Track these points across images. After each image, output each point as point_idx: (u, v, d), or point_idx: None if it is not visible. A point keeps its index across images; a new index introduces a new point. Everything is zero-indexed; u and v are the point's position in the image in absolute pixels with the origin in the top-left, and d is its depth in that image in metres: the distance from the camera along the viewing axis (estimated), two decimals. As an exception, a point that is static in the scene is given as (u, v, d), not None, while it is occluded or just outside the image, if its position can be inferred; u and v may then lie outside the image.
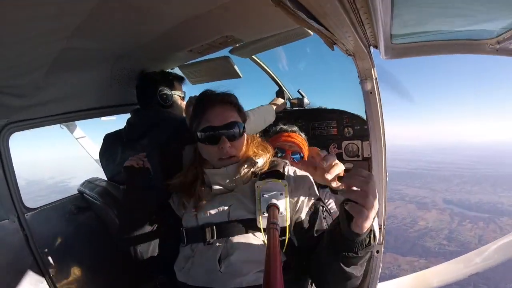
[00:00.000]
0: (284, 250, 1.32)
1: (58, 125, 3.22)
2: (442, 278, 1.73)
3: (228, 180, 1.53)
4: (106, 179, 2.34)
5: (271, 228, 1.02)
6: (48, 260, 2.10)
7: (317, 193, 1.50)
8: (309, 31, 2.12)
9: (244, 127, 1.57)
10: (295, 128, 2.36)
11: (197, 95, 1.69)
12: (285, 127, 2.35)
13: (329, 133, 2.93)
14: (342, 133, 2.88)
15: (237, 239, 1.37)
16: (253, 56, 2.78)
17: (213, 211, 1.46)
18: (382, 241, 2.22)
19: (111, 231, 2.18)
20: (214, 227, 1.41)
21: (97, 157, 3.77)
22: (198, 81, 2.91)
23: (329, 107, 3.10)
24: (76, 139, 3.74)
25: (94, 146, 3.90)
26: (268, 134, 2.39)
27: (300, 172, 1.54)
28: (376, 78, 2.00)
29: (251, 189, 1.45)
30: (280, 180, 1.41)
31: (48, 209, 2.22)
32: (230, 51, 2.54)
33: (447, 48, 1.78)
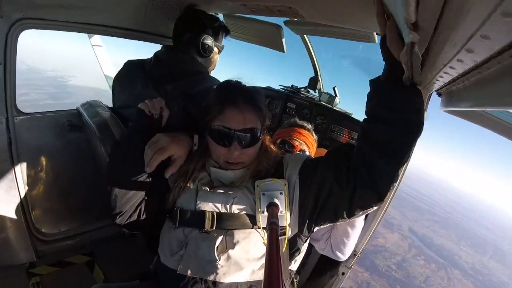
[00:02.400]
0: (284, 249, 1.34)
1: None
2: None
3: (232, 182, 1.45)
4: (109, 106, 2.18)
5: (271, 227, 1.03)
6: (26, 169, 2.02)
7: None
8: (376, 39, 1.95)
9: (261, 133, 1.43)
10: (310, 126, 2.21)
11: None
12: (299, 122, 2.20)
13: (345, 141, 2.79)
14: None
15: (238, 232, 1.33)
16: (304, 35, 2.55)
17: (215, 199, 1.37)
18: (351, 266, 2.22)
19: (98, 162, 2.08)
20: (215, 216, 1.34)
21: (107, 72, 3.64)
22: (238, 37, 2.67)
23: (357, 117, 2.93)
24: (92, 46, 3.45)
25: (107, 61, 3.62)
26: (282, 124, 2.26)
27: (294, 157, 1.51)
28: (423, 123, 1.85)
29: (251, 186, 1.41)
30: (280, 179, 1.37)
31: (40, 117, 2.08)
32: (285, 22, 2.32)
33: (498, 127, 1.67)
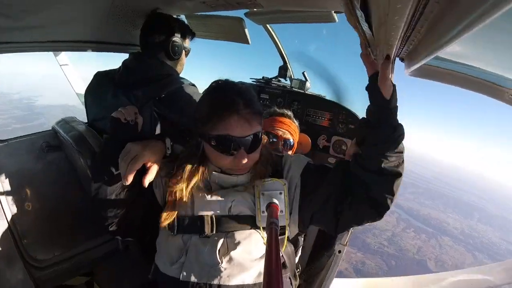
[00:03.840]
0: (283, 249, 1.34)
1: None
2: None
3: (232, 185, 1.43)
4: (84, 121, 2.16)
5: (270, 227, 1.01)
6: (10, 197, 1.98)
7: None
8: (336, 18, 2.00)
9: (262, 134, 1.36)
10: (290, 113, 2.24)
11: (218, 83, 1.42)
12: (279, 110, 2.23)
13: (322, 123, 2.85)
14: (335, 128, 2.81)
15: (239, 234, 1.33)
16: (267, 25, 2.59)
17: (213, 203, 1.36)
18: (346, 243, 2.29)
19: (80, 178, 2.07)
20: (214, 219, 1.33)
21: (78, 90, 3.58)
22: (202, 36, 2.69)
23: (329, 98, 3.01)
24: (60, 65, 3.41)
25: (77, 78, 3.58)
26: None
27: (296, 159, 1.52)
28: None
29: (251, 187, 1.40)
30: (279, 179, 1.37)
31: (17, 142, 2.05)
32: (246, 14, 2.35)
33: (471, 84, 1.73)
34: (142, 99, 1.84)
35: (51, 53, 3.26)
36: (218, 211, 1.35)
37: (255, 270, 1.30)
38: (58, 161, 2.21)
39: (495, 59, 1.47)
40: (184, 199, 1.36)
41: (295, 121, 2.23)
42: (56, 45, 2.10)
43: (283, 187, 1.34)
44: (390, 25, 1.06)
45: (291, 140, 2.11)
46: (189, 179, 1.38)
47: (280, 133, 2.08)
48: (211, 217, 1.33)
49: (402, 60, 1.72)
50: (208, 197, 1.36)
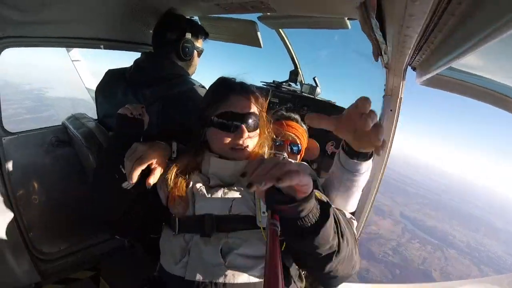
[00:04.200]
0: (283, 249, 1.28)
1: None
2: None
3: (230, 174, 1.44)
4: (94, 118, 2.20)
5: (271, 228, 0.97)
6: (19, 190, 2.00)
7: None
8: (349, 25, 2.00)
9: (260, 116, 1.47)
10: (297, 117, 2.23)
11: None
12: (286, 114, 2.22)
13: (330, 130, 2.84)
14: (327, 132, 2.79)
15: (240, 234, 1.32)
16: (280, 29, 2.59)
17: (214, 202, 1.36)
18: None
19: (88, 174, 2.09)
20: (215, 219, 1.33)
21: (89, 85, 3.63)
22: (215, 38, 2.70)
23: (339, 104, 2.99)
24: (72, 60, 3.45)
25: (88, 73, 3.61)
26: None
27: (303, 166, 1.53)
28: (401, 98, 1.94)
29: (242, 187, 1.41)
30: None
31: (27, 135, 2.07)
32: (259, 18, 2.36)
33: (482, 95, 1.73)
34: (150, 98, 1.85)
35: (64, 48, 3.32)
36: (219, 211, 1.34)
37: (259, 269, 1.30)
38: (67, 156, 2.24)
39: (507, 70, 1.46)
40: (183, 194, 1.37)
41: (303, 125, 2.22)
42: (69, 41, 2.11)
43: None
44: (403, 35, 1.06)
45: (299, 145, 2.08)
46: (188, 170, 1.43)
47: (287, 137, 2.06)
48: (212, 217, 1.33)
49: (414, 69, 1.72)
50: (209, 196, 1.36)
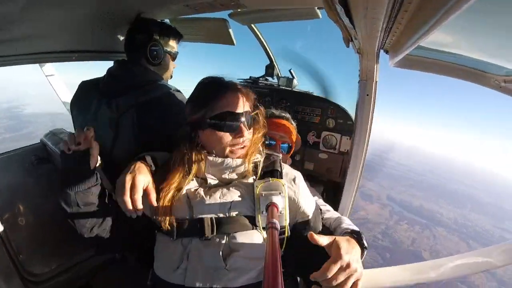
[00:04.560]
0: (283, 249, 1.33)
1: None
2: (391, 280, 1.79)
3: (227, 173, 1.43)
4: (72, 132, 2.14)
5: (270, 228, 1.01)
6: (3, 213, 1.96)
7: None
8: (319, 14, 2.02)
9: (255, 115, 1.45)
10: (288, 115, 2.25)
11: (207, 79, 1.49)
12: (277, 112, 2.22)
13: (311, 120, 2.86)
14: (324, 123, 2.82)
15: (240, 235, 1.32)
16: (252, 25, 2.59)
17: (212, 205, 1.34)
18: None
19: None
20: (214, 221, 1.31)
21: (65, 98, 3.55)
22: (187, 39, 2.67)
23: (317, 94, 3.03)
24: (46, 76, 3.39)
25: (63, 87, 3.56)
26: None
27: (293, 170, 1.52)
28: (376, 82, 1.98)
29: (250, 187, 1.40)
30: (279, 180, 1.36)
31: (7, 158, 2.04)
32: (230, 15, 2.34)
33: (455, 72, 1.75)
34: (123, 107, 1.81)
35: (37, 66, 3.25)
36: (218, 213, 1.32)
37: (258, 270, 1.32)
38: (48, 174, 2.19)
39: (479, 46, 1.48)
40: (178, 202, 1.35)
41: (293, 122, 2.24)
42: (41, 57, 2.06)
43: (282, 188, 1.32)
44: (370, 18, 1.08)
45: (289, 145, 2.12)
46: (185, 174, 1.38)
47: (278, 136, 2.07)
48: (211, 219, 1.31)
49: (386, 52, 1.75)
50: (207, 199, 1.34)
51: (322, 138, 2.78)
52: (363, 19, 1.10)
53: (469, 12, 0.94)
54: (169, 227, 1.32)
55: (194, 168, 1.39)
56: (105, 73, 1.97)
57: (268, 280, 0.75)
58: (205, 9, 2.08)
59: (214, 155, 1.41)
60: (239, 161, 1.42)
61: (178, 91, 1.97)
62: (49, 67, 3.39)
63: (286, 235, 1.33)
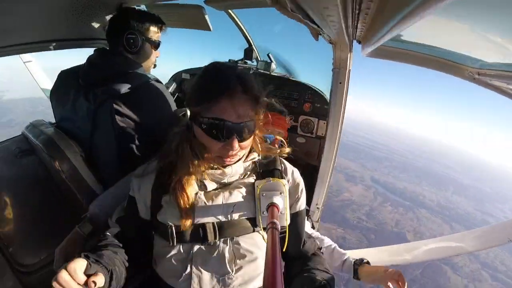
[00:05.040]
0: (284, 250, 1.33)
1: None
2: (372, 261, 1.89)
3: (227, 178, 1.37)
4: (53, 122, 2.16)
5: (270, 228, 1.00)
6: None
7: None
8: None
9: (255, 123, 1.30)
10: (285, 110, 2.37)
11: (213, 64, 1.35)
12: (277, 105, 2.29)
13: (289, 104, 2.91)
14: (302, 107, 2.87)
15: (243, 239, 1.31)
16: (229, 11, 2.59)
17: (214, 209, 1.30)
18: (318, 219, 2.42)
19: (56, 181, 2.07)
20: (216, 225, 1.28)
21: (44, 86, 3.51)
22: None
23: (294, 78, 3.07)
24: (24, 62, 3.32)
25: (42, 73, 3.48)
26: None
27: (295, 170, 1.52)
28: (349, 70, 2.05)
29: (250, 187, 1.37)
30: (280, 179, 1.33)
31: (-9, 150, 2.01)
32: (205, 1, 2.35)
33: (430, 63, 1.80)
34: (100, 98, 1.80)
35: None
36: (220, 217, 1.30)
37: (262, 274, 1.30)
38: (32, 165, 2.19)
39: (452, 37, 1.51)
40: (175, 207, 1.29)
41: (287, 116, 2.29)
42: (19, 48, 2.01)
43: (283, 188, 1.30)
44: (325, 10, 1.12)
45: (283, 140, 2.15)
46: (190, 174, 1.31)
47: (276, 133, 2.08)
48: (213, 224, 1.28)
49: (359, 42, 1.81)
50: (210, 203, 1.30)
51: (299, 122, 2.83)
52: (318, 13, 1.16)
53: (445, 5, 0.97)
54: (166, 234, 1.29)
55: (197, 172, 1.32)
56: (85, 61, 1.95)
57: (268, 280, 0.75)
58: None
59: (212, 167, 1.34)
60: (237, 167, 1.36)
61: (158, 81, 1.97)
62: (26, 54, 3.32)
63: (287, 234, 1.34)
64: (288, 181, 1.41)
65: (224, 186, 1.38)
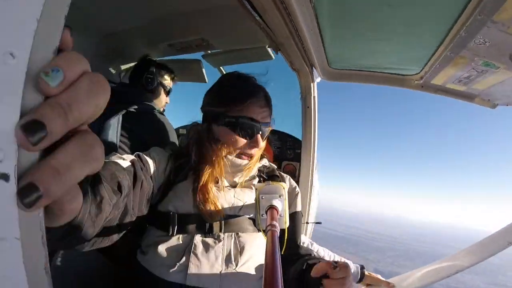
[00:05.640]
0: (283, 252, 1.28)
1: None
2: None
3: (239, 176, 1.43)
4: None
5: (270, 230, 0.96)
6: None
7: None
8: (272, 54, 2.47)
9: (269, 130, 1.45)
10: (271, 139, 2.59)
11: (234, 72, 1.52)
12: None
13: (274, 152, 3.13)
14: (284, 154, 3.13)
15: (248, 236, 1.31)
16: (220, 67, 3.14)
17: (225, 203, 1.31)
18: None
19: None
20: (223, 219, 1.28)
21: None
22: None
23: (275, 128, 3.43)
24: None
25: None
26: None
27: (290, 177, 1.65)
28: (314, 97, 2.38)
29: (252, 190, 1.41)
30: (279, 183, 1.29)
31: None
32: (203, 56, 2.85)
33: (379, 79, 2.05)
34: (110, 113, 1.91)
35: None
36: (228, 211, 1.30)
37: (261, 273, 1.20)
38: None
39: (392, 52, 1.70)
40: (182, 193, 1.29)
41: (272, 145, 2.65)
42: None
43: (283, 190, 1.25)
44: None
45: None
46: (211, 170, 1.34)
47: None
48: (223, 217, 1.28)
49: (315, 68, 2.18)
50: (220, 197, 1.32)
51: (283, 167, 3.09)
52: (281, 45, 1.64)
53: (375, 23, 1.34)
54: (164, 222, 1.25)
55: (219, 164, 1.34)
56: None
57: (268, 282, 0.72)
58: (184, 50, 2.63)
59: (233, 155, 1.37)
60: (252, 164, 1.42)
61: (162, 113, 2.23)
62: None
63: (285, 237, 1.30)
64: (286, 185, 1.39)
65: (235, 185, 1.43)
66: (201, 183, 1.28)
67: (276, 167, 1.66)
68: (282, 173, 1.63)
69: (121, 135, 1.95)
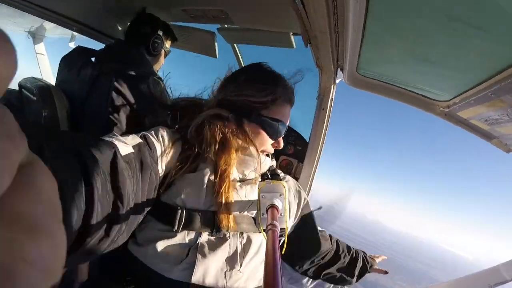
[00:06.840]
0: (283, 251, 1.28)
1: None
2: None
3: (250, 171, 1.39)
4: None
5: (270, 230, 0.96)
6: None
7: None
8: (293, 43, 2.31)
9: None
10: None
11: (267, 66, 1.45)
12: None
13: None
14: (284, 148, 3.00)
15: (252, 236, 1.27)
16: (235, 45, 2.90)
17: (236, 200, 1.26)
18: None
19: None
20: (231, 217, 1.21)
21: (48, 81, 3.58)
22: (175, 46, 2.94)
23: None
24: (36, 53, 3.47)
25: (48, 70, 3.61)
26: None
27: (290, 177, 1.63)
28: (332, 99, 2.21)
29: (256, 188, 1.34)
30: (280, 181, 1.28)
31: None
32: (218, 29, 2.63)
33: (404, 97, 1.93)
34: (106, 69, 1.84)
35: (30, 38, 3.38)
36: (237, 209, 1.26)
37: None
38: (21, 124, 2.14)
39: (428, 74, 1.61)
40: (193, 187, 1.20)
41: None
42: (44, 12, 2.16)
43: (283, 189, 1.24)
44: (318, 36, 1.40)
45: None
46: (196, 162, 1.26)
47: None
48: (228, 215, 1.22)
49: (341, 70, 1.99)
50: (235, 191, 1.27)
51: (279, 161, 2.94)
52: (313, 37, 1.44)
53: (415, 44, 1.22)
54: (170, 218, 1.15)
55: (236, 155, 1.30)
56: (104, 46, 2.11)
57: (268, 282, 0.72)
58: (199, 18, 2.37)
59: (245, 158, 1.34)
60: (264, 164, 1.42)
61: (161, 79, 2.07)
62: (42, 46, 3.49)
63: (285, 237, 1.33)
64: (288, 185, 1.43)
65: (245, 181, 1.37)
66: (217, 178, 1.21)
67: (275, 165, 1.62)
68: (282, 173, 1.61)
69: (114, 96, 1.82)
